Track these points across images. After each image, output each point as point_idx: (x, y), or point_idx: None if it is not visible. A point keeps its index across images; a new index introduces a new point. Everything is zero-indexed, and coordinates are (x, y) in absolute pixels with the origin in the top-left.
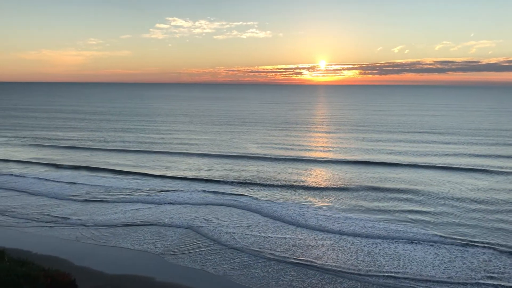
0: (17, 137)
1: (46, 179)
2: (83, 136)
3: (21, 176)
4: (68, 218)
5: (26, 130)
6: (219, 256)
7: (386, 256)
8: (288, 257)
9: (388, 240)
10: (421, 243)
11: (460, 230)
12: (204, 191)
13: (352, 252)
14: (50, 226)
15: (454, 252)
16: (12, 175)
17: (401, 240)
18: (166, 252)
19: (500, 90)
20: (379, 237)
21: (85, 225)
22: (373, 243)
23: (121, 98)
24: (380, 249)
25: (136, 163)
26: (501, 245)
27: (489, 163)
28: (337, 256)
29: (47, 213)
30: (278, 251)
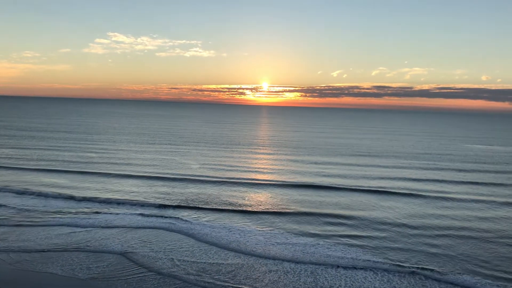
0: None
1: None
2: (12, 154)
3: None
4: None
5: None
6: (154, 283)
7: (330, 285)
8: (225, 285)
9: (327, 266)
10: (359, 268)
11: (392, 254)
12: (139, 214)
13: (293, 277)
14: None
15: (387, 275)
16: None
17: (339, 265)
18: (99, 278)
19: (431, 115)
20: (317, 263)
21: (10, 250)
22: (311, 269)
23: (58, 114)
24: (321, 275)
25: (69, 183)
26: (432, 270)
27: (421, 187)
28: (277, 281)
29: None
30: (216, 278)
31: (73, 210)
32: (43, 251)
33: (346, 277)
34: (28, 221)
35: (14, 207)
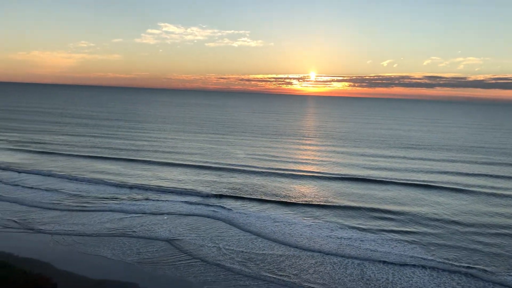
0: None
1: (23, 186)
2: (67, 141)
3: (12, 185)
4: (48, 225)
5: (11, 132)
6: (200, 270)
7: (376, 279)
8: (269, 276)
9: (374, 261)
10: (406, 264)
11: (440, 251)
12: (186, 201)
13: (339, 269)
14: (30, 232)
15: (441, 276)
16: None
17: (386, 261)
18: (147, 262)
19: (486, 106)
20: (363, 258)
21: (64, 232)
22: (358, 262)
23: (110, 102)
24: (368, 268)
25: (120, 170)
26: (484, 270)
27: (472, 182)
28: (323, 272)
29: (26, 219)
30: (261, 267)
31: (124, 196)
32: (95, 235)
33: (394, 271)
34: (81, 206)
35: (69, 192)
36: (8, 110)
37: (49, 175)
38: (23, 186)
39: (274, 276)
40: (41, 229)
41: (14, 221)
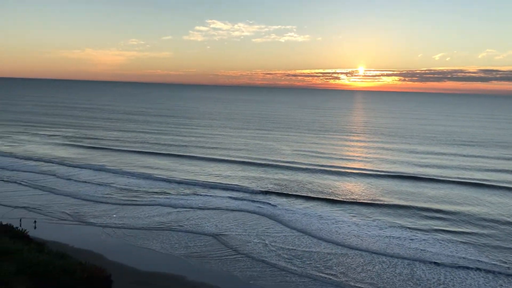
0: (53, 135)
1: (75, 180)
2: (119, 136)
3: (51, 175)
4: (100, 218)
5: (67, 128)
6: (244, 264)
7: (427, 279)
8: (316, 274)
9: (425, 261)
10: (459, 266)
11: (495, 253)
12: (233, 197)
13: (388, 268)
14: (83, 224)
15: (498, 279)
16: (42, 173)
17: (437, 261)
18: (194, 256)
19: None
20: (413, 258)
21: (115, 225)
22: (408, 264)
23: (159, 99)
24: (418, 268)
25: (169, 166)
26: None
27: None
28: (371, 271)
29: (79, 212)
30: (307, 264)
31: (172, 191)
32: (144, 228)
33: (446, 272)
34: (131, 200)
35: (119, 186)
36: (63, 107)
37: (100, 170)
38: (76, 180)
39: (321, 274)
40: (93, 222)
41: (67, 213)
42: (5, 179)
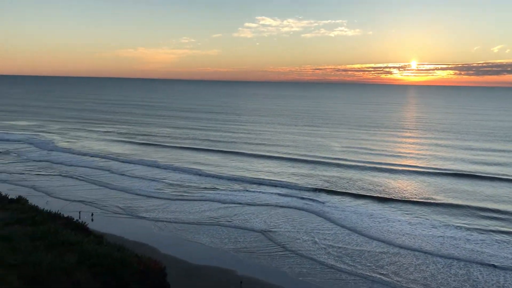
0: (108, 132)
1: (129, 176)
2: (170, 133)
3: (106, 170)
4: (152, 212)
5: (121, 125)
6: (293, 261)
7: (484, 281)
8: (367, 273)
9: (482, 264)
10: None
11: None
12: (281, 194)
13: (443, 268)
14: (136, 218)
15: None
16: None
17: (496, 264)
18: (243, 251)
19: None
20: (469, 260)
21: (167, 220)
22: (463, 265)
23: (209, 96)
24: (475, 269)
25: (218, 162)
26: None
27: None
28: (424, 271)
29: (132, 206)
30: (357, 262)
31: (222, 187)
32: (194, 223)
33: (506, 274)
34: (182, 195)
35: (170, 182)
36: (118, 104)
37: (152, 166)
38: (129, 176)
39: (372, 274)
40: (145, 216)
41: (121, 207)
42: (63, 174)
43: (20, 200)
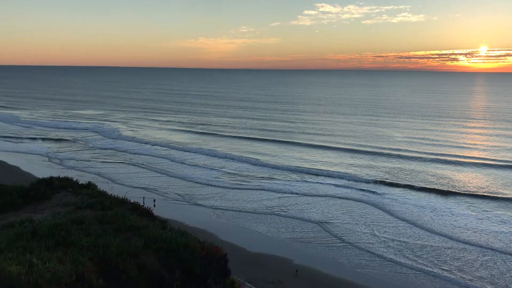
0: (169, 121)
1: (188, 164)
2: (229, 123)
3: (167, 159)
4: (210, 199)
5: (181, 114)
6: (351, 252)
7: None
8: (429, 268)
9: None
10: None
11: None
12: (338, 185)
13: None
14: (195, 205)
15: None
16: (160, 157)
17: None
18: (299, 241)
19: None
20: None
21: (225, 208)
22: None
23: (267, 85)
24: None
25: (276, 152)
26: None
27: None
28: (491, 268)
29: (190, 193)
30: (418, 255)
31: (279, 177)
32: (251, 212)
33: None
34: (240, 184)
35: (228, 171)
36: (179, 94)
37: (211, 155)
38: (188, 164)
39: (435, 269)
40: (204, 204)
41: (181, 194)
42: (127, 161)
43: (90, 186)
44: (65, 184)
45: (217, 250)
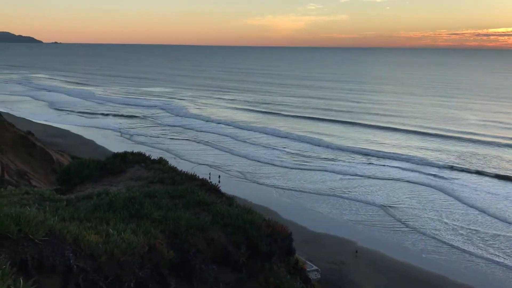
0: (234, 100)
1: (251, 143)
2: (292, 102)
3: (230, 137)
4: (272, 178)
5: (246, 93)
6: (416, 237)
7: None
8: (502, 260)
9: None
10: None
11: None
12: (406, 168)
13: None
14: (256, 183)
15: None
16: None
17: None
18: (362, 223)
19: None
20: None
21: (286, 187)
22: None
23: (334, 64)
24: None
25: (340, 133)
26: None
27: None
28: None
29: (253, 172)
30: (489, 246)
31: (342, 158)
32: (313, 192)
33: None
34: (302, 164)
35: (291, 151)
36: (245, 73)
37: (273, 134)
38: (251, 143)
39: (507, 261)
40: (265, 182)
41: (242, 172)
42: (193, 139)
43: (162, 161)
44: (138, 159)
45: (282, 229)
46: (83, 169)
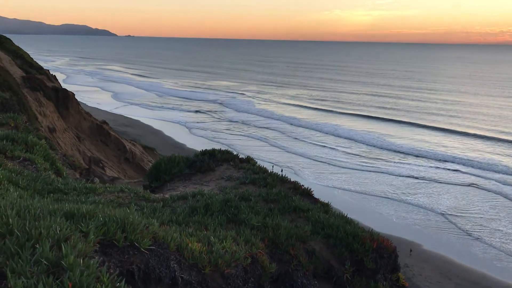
0: (297, 96)
1: (307, 141)
2: (357, 100)
3: (285, 134)
4: (334, 181)
5: (310, 89)
6: (481, 249)
7: None
8: None
9: None
10: None
11: None
12: (476, 175)
13: None
14: (318, 184)
15: None
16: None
17: None
18: (427, 227)
19: None
20: None
21: (350, 190)
22: None
23: (403, 60)
24: None
25: (403, 134)
26: None
27: None
28: None
29: (313, 171)
30: None
31: (407, 161)
32: (372, 195)
33: None
34: (360, 166)
35: (351, 152)
36: (310, 68)
37: (332, 134)
38: (311, 142)
39: None
40: (326, 181)
41: (291, 168)
42: (254, 135)
43: (250, 160)
44: (227, 157)
45: (387, 243)
46: (173, 167)
